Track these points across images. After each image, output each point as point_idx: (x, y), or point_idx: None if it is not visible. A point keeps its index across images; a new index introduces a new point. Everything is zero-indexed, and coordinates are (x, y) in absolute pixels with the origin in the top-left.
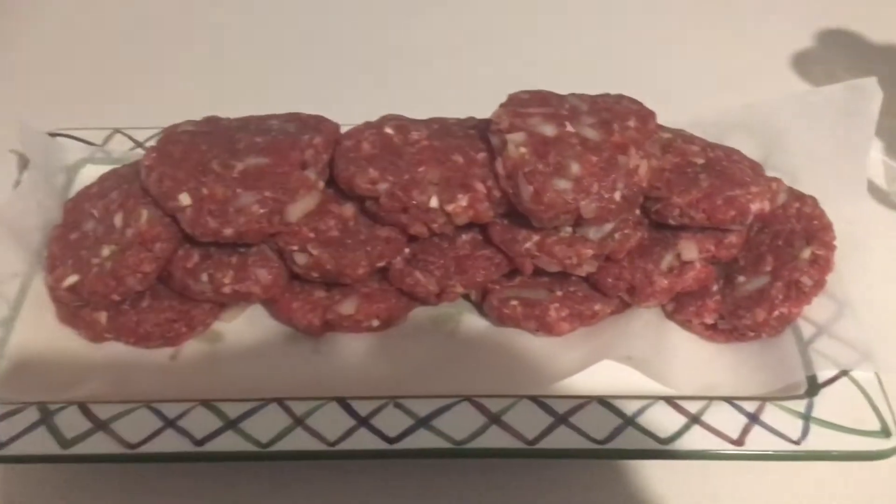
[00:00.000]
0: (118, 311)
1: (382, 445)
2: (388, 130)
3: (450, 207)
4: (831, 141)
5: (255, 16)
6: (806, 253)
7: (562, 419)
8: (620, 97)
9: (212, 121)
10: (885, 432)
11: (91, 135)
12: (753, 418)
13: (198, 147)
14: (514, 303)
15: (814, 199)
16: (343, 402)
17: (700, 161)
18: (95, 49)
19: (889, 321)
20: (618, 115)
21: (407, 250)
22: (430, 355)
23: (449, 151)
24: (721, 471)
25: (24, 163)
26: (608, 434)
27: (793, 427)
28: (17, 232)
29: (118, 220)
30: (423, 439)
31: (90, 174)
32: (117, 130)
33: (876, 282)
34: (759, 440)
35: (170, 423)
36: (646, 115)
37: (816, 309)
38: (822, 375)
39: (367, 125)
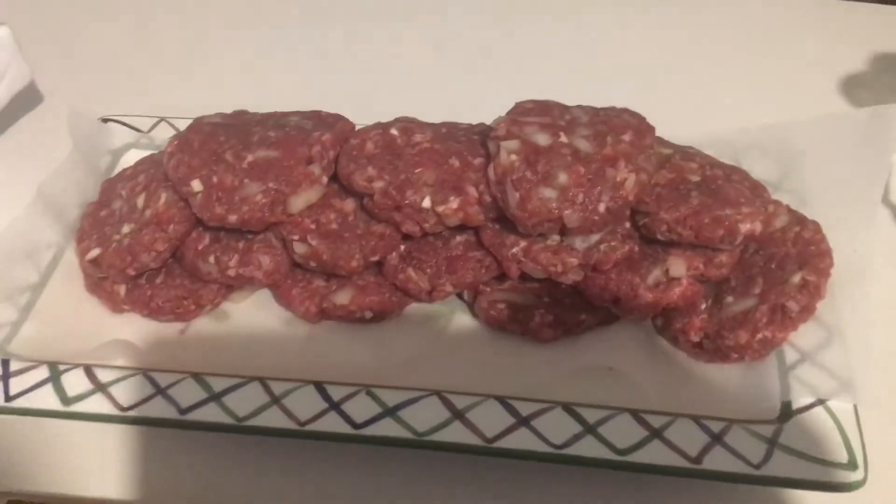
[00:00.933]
0: (135, 285)
1: (348, 430)
2: (394, 132)
3: (440, 209)
4: (847, 167)
5: (308, 16)
6: (796, 278)
7: (524, 421)
8: (623, 111)
9: (238, 114)
10: (851, 465)
11: (140, 122)
12: (717, 438)
13: (216, 137)
14: (502, 306)
15: (816, 225)
16: (319, 386)
17: (695, 178)
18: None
19: (884, 355)
20: (614, 128)
21: (402, 248)
22: (415, 350)
23: (447, 155)
24: (687, 490)
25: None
26: (566, 440)
27: (756, 451)
28: (55, 206)
29: (140, 201)
30: (387, 428)
31: (133, 158)
32: (163, 119)
33: (879, 315)
34: (717, 460)
35: (161, 391)
36: (644, 130)
37: (804, 336)
38: (798, 402)
39: (377, 125)
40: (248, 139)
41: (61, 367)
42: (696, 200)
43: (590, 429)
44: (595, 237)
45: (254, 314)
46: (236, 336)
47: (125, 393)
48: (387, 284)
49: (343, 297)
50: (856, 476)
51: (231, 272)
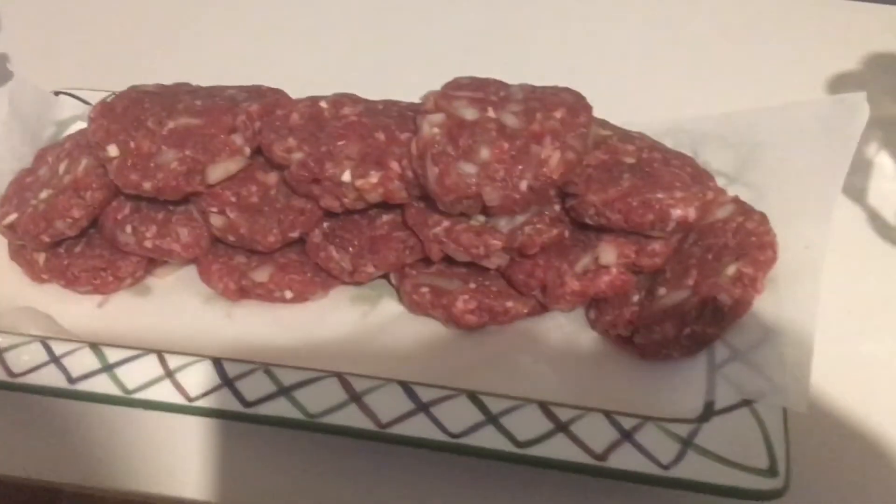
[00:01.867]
0: (55, 254)
1: (238, 408)
2: (323, 104)
3: (360, 183)
4: (808, 158)
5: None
6: (731, 269)
7: (423, 407)
8: (564, 89)
9: (177, 85)
10: (771, 472)
11: (92, 95)
12: (626, 435)
13: (141, 104)
14: (425, 290)
15: (762, 216)
16: (217, 362)
17: (630, 161)
18: (136, 20)
19: (827, 359)
20: (547, 105)
21: (326, 226)
22: (332, 333)
23: (374, 129)
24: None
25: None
26: (465, 429)
27: (667, 451)
28: None
29: (62, 167)
30: (278, 407)
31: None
32: (114, 93)
33: (829, 315)
34: (624, 459)
35: (55, 360)
36: (578, 108)
37: (739, 333)
38: (722, 402)
39: (309, 98)
40: (172, 107)
41: None
42: (626, 183)
43: (492, 419)
44: (520, 219)
45: (176, 291)
46: (156, 312)
47: (17, 359)
48: (310, 264)
49: (262, 275)
50: (774, 484)
51: (148, 243)
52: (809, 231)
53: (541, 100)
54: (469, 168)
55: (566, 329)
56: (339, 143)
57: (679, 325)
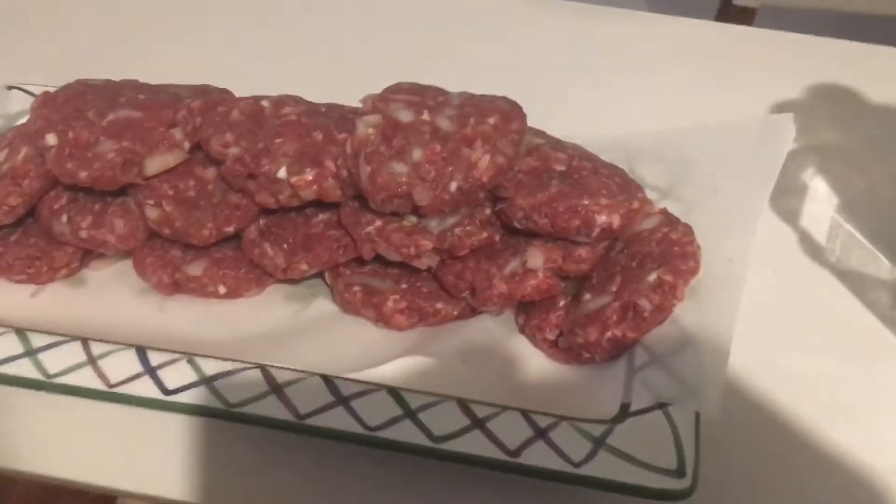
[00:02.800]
0: None
1: (158, 395)
2: (264, 103)
3: (294, 179)
4: (736, 175)
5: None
6: (652, 276)
7: (343, 400)
8: (500, 98)
9: (124, 81)
10: (679, 472)
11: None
12: (541, 433)
13: (84, 96)
14: (357, 289)
15: (687, 228)
16: (140, 350)
17: (560, 168)
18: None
19: (744, 369)
20: (482, 111)
21: (262, 222)
22: (262, 329)
23: (312, 128)
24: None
25: None
26: (382, 423)
27: (579, 449)
28: None
29: (2, 156)
30: (197, 396)
31: None
32: None
33: (751, 327)
34: (536, 456)
35: None
36: (512, 116)
37: (658, 339)
38: (637, 405)
39: (252, 97)
40: (115, 100)
41: None
42: (554, 189)
43: (410, 413)
44: (451, 220)
45: (111, 283)
46: (88, 304)
47: None
48: (245, 260)
49: (196, 269)
50: (681, 485)
51: (83, 233)
52: (734, 245)
53: (476, 106)
54: (401, 168)
55: (493, 332)
56: (277, 140)
57: (602, 329)
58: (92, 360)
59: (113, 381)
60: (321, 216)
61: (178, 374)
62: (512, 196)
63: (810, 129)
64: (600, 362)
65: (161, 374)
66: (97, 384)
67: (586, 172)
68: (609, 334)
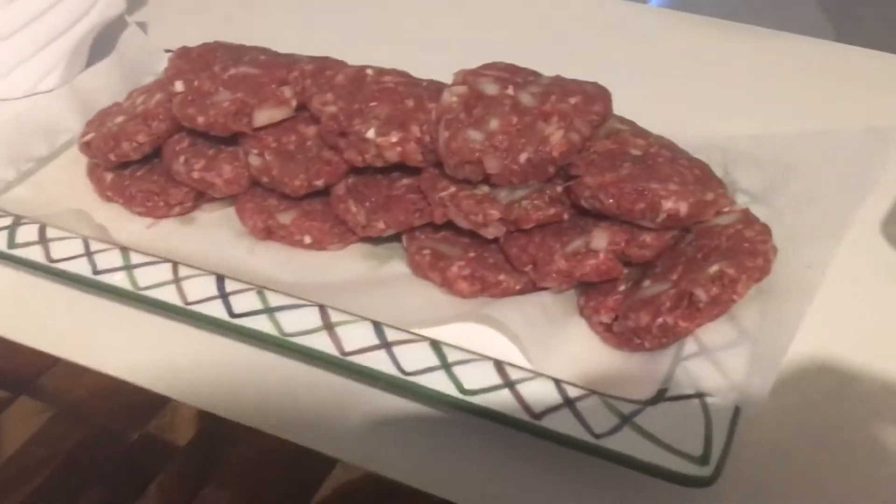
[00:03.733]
0: (119, 175)
1: (225, 316)
2: (369, 71)
3: (380, 140)
4: (831, 184)
5: None
6: (713, 268)
7: (386, 345)
8: (590, 83)
9: (256, 46)
10: (703, 459)
11: None
12: (568, 402)
13: (214, 53)
14: (426, 252)
15: (764, 227)
16: (219, 277)
17: (636, 153)
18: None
19: (797, 378)
20: (566, 90)
21: (351, 181)
22: (336, 279)
23: (406, 96)
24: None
25: None
26: (416, 369)
27: (603, 422)
28: (84, 101)
29: (140, 99)
30: (258, 323)
31: None
32: None
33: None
34: (558, 422)
35: (88, 254)
36: (595, 98)
37: (713, 333)
38: (674, 391)
39: (360, 65)
40: (240, 58)
41: (22, 220)
42: (625, 171)
43: (446, 365)
44: (520, 193)
45: (215, 225)
46: (190, 239)
47: (60, 248)
48: (331, 215)
49: (286, 217)
50: (702, 472)
51: (195, 174)
52: (815, 252)
53: (562, 86)
54: (476, 135)
55: (551, 310)
56: (371, 103)
57: (653, 315)
58: (176, 280)
59: (190, 299)
60: (405, 180)
61: (246, 302)
62: (582, 174)
63: None
64: (650, 349)
65: (232, 299)
66: (175, 300)
67: (662, 160)
68: (660, 320)
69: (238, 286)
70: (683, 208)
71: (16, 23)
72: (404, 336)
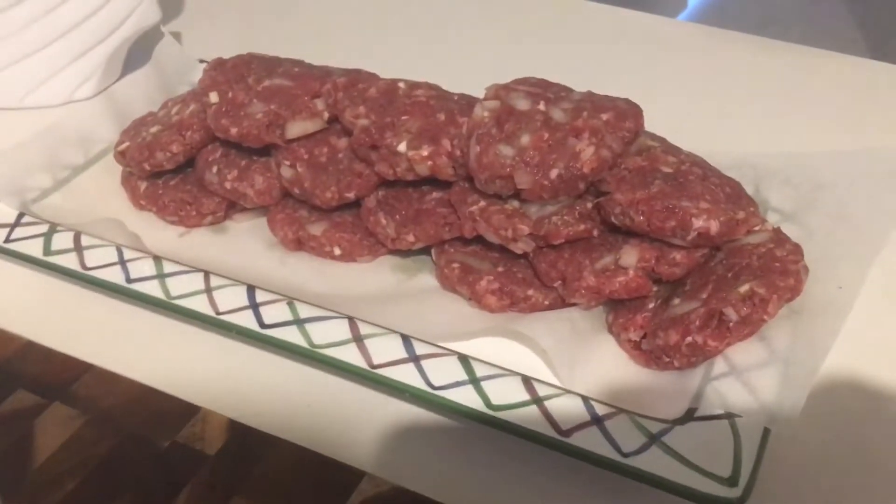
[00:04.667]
0: (153, 184)
1: (255, 326)
2: (401, 84)
3: (411, 154)
4: (864, 204)
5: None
6: (744, 287)
7: (414, 358)
8: (621, 99)
9: (290, 58)
10: (731, 480)
11: None
12: (597, 420)
13: (249, 64)
14: (456, 265)
15: (796, 247)
16: (250, 288)
17: (667, 170)
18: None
19: (827, 399)
20: (598, 107)
21: (381, 193)
22: (365, 291)
23: (438, 110)
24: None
25: None
26: (444, 384)
27: (632, 441)
28: (119, 110)
29: (175, 109)
30: (288, 334)
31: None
32: None
33: (842, 358)
34: (586, 439)
35: (122, 262)
36: (627, 115)
37: (743, 353)
38: (703, 411)
39: (392, 78)
40: (273, 70)
41: (58, 228)
42: (656, 188)
43: (474, 380)
44: (550, 208)
45: (246, 234)
46: (221, 248)
47: (93, 257)
48: (362, 227)
49: (317, 229)
50: (731, 493)
51: (228, 185)
52: (847, 273)
53: (594, 102)
54: (507, 150)
55: (580, 326)
56: (403, 117)
57: (682, 333)
58: (208, 290)
59: (221, 309)
60: (435, 194)
61: (276, 313)
62: (613, 191)
63: None
64: (679, 368)
65: (262, 310)
66: (207, 310)
67: (693, 177)
68: (689, 339)
69: (268, 297)
70: (714, 226)
71: (53, 32)
72: (433, 350)
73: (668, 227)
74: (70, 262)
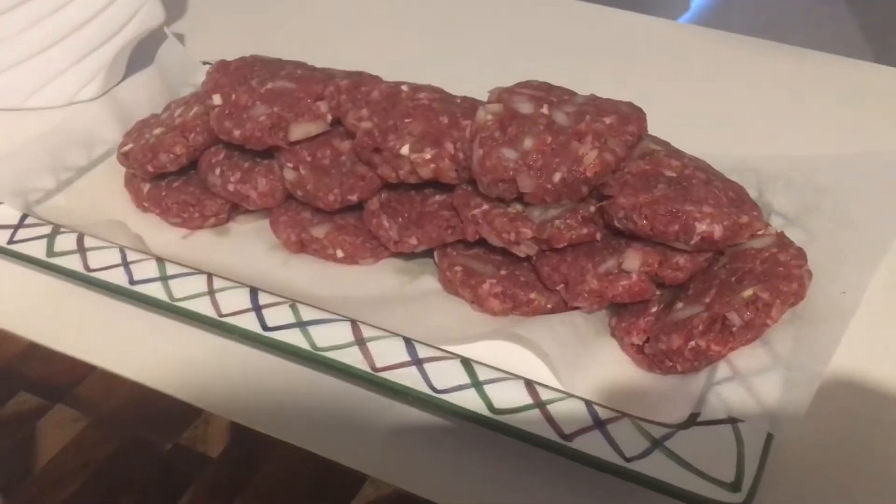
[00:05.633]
0: (156, 186)
1: (258, 329)
2: (404, 87)
3: (414, 157)
4: (867, 207)
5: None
6: (747, 292)
7: (417, 362)
8: (625, 103)
9: (293, 61)
10: (734, 486)
11: None
12: (599, 424)
13: (252, 67)
14: (458, 269)
15: (799, 251)
16: (253, 290)
17: (670, 174)
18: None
19: (830, 406)
20: (601, 110)
21: (384, 196)
22: (367, 293)
23: (440, 113)
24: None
25: None
26: (447, 387)
27: (634, 446)
28: (123, 112)
29: (178, 111)
30: (291, 336)
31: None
32: None
33: (845, 362)
34: (588, 443)
35: (125, 264)
36: (630, 118)
37: (746, 357)
38: (706, 415)
39: (395, 81)
40: (276, 72)
41: (61, 229)
42: (659, 192)
43: (476, 383)
44: (553, 212)
45: (249, 236)
46: (224, 250)
47: (97, 258)
48: (364, 230)
49: (319, 231)
50: (734, 499)
51: (231, 187)
52: (851, 277)
53: (597, 106)
54: (510, 154)
55: (582, 330)
56: (406, 120)
57: (685, 338)
58: (211, 292)
59: (224, 311)
60: (437, 197)
61: (278, 315)
62: (616, 195)
63: None
64: (682, 372)
65: (265, 312)
66: (210, 312)
67: (696, 181)
68: (692, 343)
69: (271, 299)
70: (717, 231)
71: (57, 34)
72: (435, 353)
73: (671, 231)
74: (73, 263)
